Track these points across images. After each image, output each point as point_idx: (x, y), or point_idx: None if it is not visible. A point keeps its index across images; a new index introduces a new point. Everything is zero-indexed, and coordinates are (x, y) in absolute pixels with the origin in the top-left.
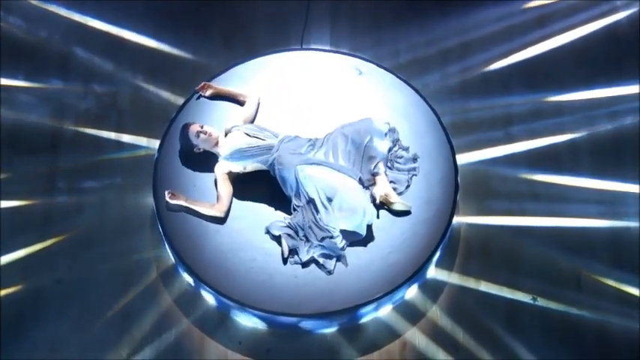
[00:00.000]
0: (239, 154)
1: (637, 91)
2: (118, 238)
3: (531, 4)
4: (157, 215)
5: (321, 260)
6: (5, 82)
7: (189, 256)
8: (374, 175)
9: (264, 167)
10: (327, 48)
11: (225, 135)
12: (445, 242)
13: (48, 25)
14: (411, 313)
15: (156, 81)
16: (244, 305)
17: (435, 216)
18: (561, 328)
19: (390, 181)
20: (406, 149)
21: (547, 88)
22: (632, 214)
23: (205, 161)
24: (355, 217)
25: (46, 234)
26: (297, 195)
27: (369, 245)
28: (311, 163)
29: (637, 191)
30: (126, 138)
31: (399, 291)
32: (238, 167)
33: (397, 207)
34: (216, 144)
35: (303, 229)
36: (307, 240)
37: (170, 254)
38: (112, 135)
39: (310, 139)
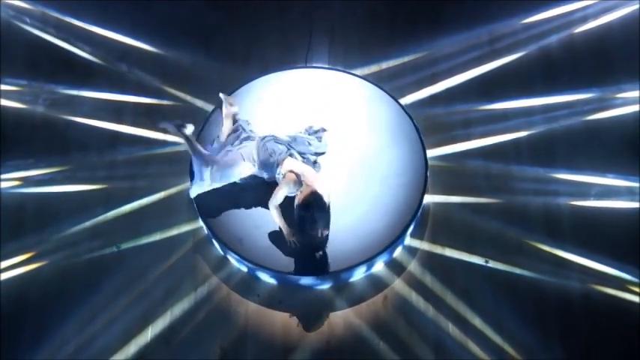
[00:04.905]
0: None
1: (567, 100)
2: (162, 215)
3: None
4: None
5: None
6: (76, 94)
7: (217, 228)
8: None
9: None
10: (326, 66)
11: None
12: (418, 216)
13: (106, 49)
14: (390, 274)
15: (191, 92)
16: (261, 266)
17: (410, 196)
18: (506, 285)
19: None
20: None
21: (497, 98)
22: (561, 193)
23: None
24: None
25: (106, 212)
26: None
27: (357, 218)
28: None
29: (566, 177)
30: (169, 136)
31: (381, 255)
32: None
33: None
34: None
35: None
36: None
37: (203, 227)
38: (158, 135)
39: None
